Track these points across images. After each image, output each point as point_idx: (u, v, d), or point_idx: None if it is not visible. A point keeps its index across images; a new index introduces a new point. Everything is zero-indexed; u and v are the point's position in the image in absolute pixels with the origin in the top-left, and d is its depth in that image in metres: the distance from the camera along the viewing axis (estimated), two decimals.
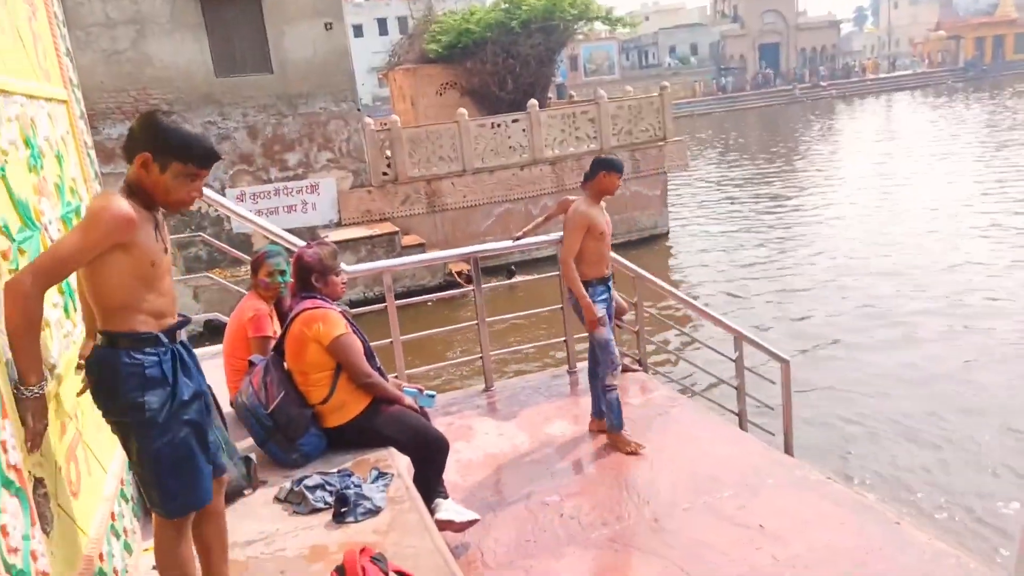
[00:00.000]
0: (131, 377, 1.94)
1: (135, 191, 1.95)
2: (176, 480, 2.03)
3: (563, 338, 5.70)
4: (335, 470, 3.03)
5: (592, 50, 53.87)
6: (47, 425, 1.88)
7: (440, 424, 4.70)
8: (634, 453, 4.27)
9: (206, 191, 5.02)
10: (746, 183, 22.29)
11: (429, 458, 3.26)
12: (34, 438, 1.82)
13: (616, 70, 55.15)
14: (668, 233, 16.19)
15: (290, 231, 5.59)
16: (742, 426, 5.56)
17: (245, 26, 12.93)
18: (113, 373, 1.93)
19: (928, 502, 5.87)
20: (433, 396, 3.62)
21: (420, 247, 12.30)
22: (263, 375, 3.17)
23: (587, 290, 4.25)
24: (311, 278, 3.24)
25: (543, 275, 5.96)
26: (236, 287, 5.63)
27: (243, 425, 3.24)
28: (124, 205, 1.88)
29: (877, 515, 3.51)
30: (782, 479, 3.91)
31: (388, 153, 13.72)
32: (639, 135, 15.69)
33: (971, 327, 9.15)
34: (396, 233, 12.63)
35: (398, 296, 5.20)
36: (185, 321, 2.13)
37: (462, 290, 8.78)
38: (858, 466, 6.48)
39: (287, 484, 2.94)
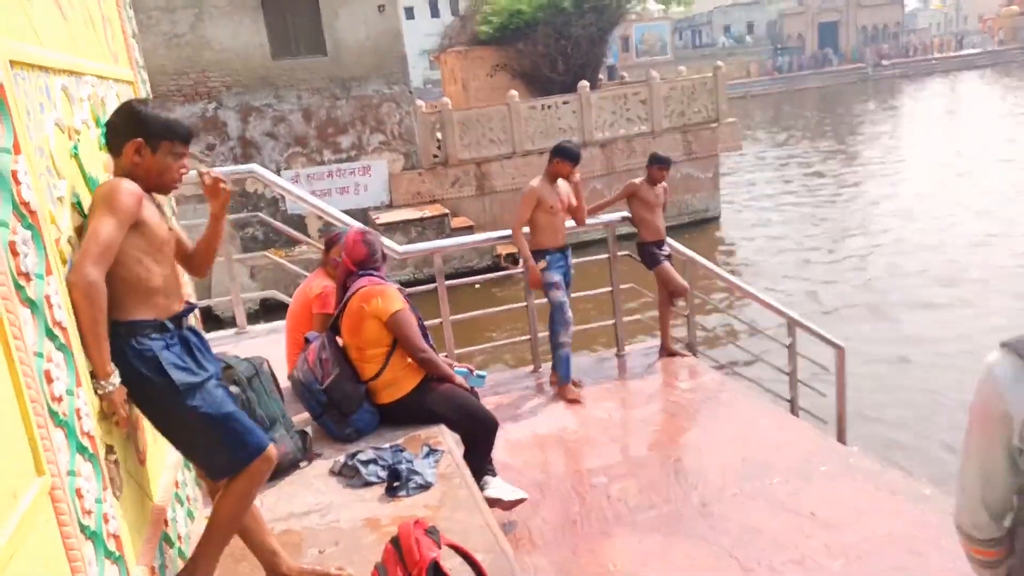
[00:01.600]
0: (146, 362, 1.97)
1: (132, 178, 2.01)
2: (230, 431, 2.07)
3: (612, 321, 5.68)
4: (387, 446, 3.09)
5: (645, 30, 52.88)
6: (128, 411, 1.97)
7: (489, 404, 4.73)
8: (575, 401, 4.81)
9: (265, 172, 5.15)
10: (801, 166, 21.74)
11: (478, 436, 3.31)
12: (119, 421, 1.93)
13: (669, 50, 54.07)
14: (719, 217, 15.92)
15: (343, 212, 5.69)
16: (794, 412, 5.48)
17: (300, 8, 13.10)
18: (126, 364, 1.94)
19: None
20: (483, 376, 3.66)
21: (469, 229, 12.36)
22: (319, 351, 3.24)
23: (543, 257, 4.81)
24: (373, 257, 3.32)
25: (591, 257, 5.94)
26: (292, 266, 5.75)
27: (299, 400, 3.32)
28: (131, 183, 1.96)
29: (934, 505, 3.43)
30: (835, 466, 3.85)
31: (439, 136, 13.78)
32: (692, 116, 15.42)
33: None
34: (446, 215, 12.71)
35: (447, 277, 5.25)
36: (191, 307, 2.19)
37: (510, 271, 8.80)
38: (912, 458, 6.32)
39: (341, 458, 3.01)
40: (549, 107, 14.49)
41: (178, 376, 2.01)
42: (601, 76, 21.20)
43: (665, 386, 5.10)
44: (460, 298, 9.40)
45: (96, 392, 1.86)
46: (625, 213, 5.58)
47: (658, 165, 5.40)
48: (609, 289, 5.67)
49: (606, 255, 5.56)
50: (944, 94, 39.78)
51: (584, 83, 14.89)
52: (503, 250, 12.20)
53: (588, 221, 5.51)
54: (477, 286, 10.16)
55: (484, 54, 18.54)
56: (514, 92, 14.40)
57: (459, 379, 3.40)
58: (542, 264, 4.82)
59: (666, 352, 5.57)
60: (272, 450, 2.16)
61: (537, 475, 3.98)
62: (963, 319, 9.12)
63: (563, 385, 4.93)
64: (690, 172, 15.30)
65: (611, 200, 5.73)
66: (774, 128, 31.72)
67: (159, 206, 2.13)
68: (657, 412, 4.73)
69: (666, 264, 5.43)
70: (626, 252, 5.93)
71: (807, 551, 3.15)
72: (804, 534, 3.27)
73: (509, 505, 3.35)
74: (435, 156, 13.79)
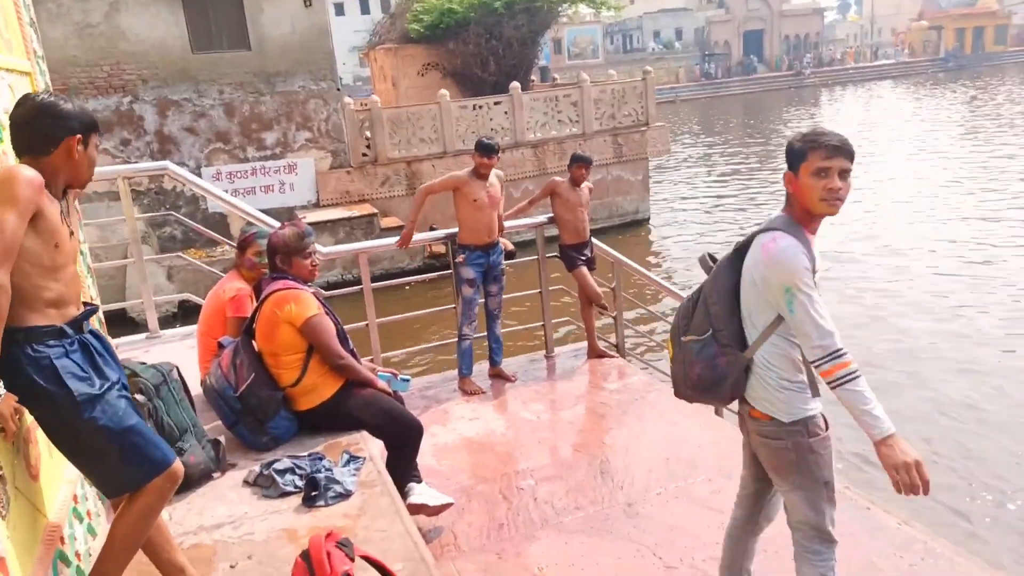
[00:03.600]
0: (42, 371, 1.84)
1: (53, 173, 1.92)
2: (130, 445, 1.95)
3: (540, 323, 5.69)
4: (306, 453, 2.99)
5: (576, 33, 53.51)
6: (17, 423, 1.86)
7: (416, 408, 4.68)
8: (474, 393, 4.96)
9: (178, 169, 4.95)
10: (728, 169, 22.35)
11: (402, 442, 3.23)
12: (5, 433, 1.82)
13: (600, 54, 54.88)
14: (650, 218, 16.20)
15: (267, 211, 5.52)
16: (718, 412, 5.58)
17: (223, 1, 12.68)
18: (18, 372, 1.82)
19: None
20: (408, 380, 3.59)
21: (399, 229, 12.19)
22: (232, 357, 3.12)
23: (463, 254, 4.91)
24: (276, 259, 3.19)
25: (520, 260, 5.92)
26: (210, 268, 5.54)
27: (212, 407, 3.19)
28: (30, 169, 1.83)
29: (848, 501, 3.53)
30: None
31: (368, 134, 13.57)
32: (622, 120, 15.65)
33: (938, 311, 9.25)
34: (375, 215, 12.52)
35: (376, 279, 5.17)
36: (92, 310, 2.06)
37: (440, 273, 8.72)
38: (837, 449, 6.53)
39: (256, 467, 2.89)
40: (480, 107, 14.46)
41: (76, 386, 1.88)
42: (533, 77, 21.30)
43: (593, 387, 5.12)
44: (390, 300, 9.28)
45: None
46: (547, 217, 5.59)
47: (578, 164, 5.43)
48: (538, 291, 5.67)
49: (534, 257, 5.57)
50: (860, 102, 41.61)
51: (516, 84, 14.92)
52: (434, 249, 12.09)
53: (519, 222, 5.55)
54: (408, 287, 10.04)
55: (415, 52, 18.38)
56: (445, 91, 14.30)
57: (382, 384, 3.32)
58: (460, 258, 4.92)
59: (594, 353, 5.61)
60: (177, 466, 2.04)
61: (464, 479, 3.93)
62: (880, 305, 9.49)
63: (462, 378, 5.07)
64: (620, 174, 15.52)
65: (532, 200, 5.72)
66: (703, 132, 32.52)
67: (67, 210, 1.99)
68: (585, 413, 4.75)
69: (583, 269, 5.46)
70: (554, 254, 5.96)
71: None
72: (725, 531, 3.32)
73: (434, 511, 3.29)
74: (364, 155, 13.57)
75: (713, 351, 2.25)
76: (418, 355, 8.29)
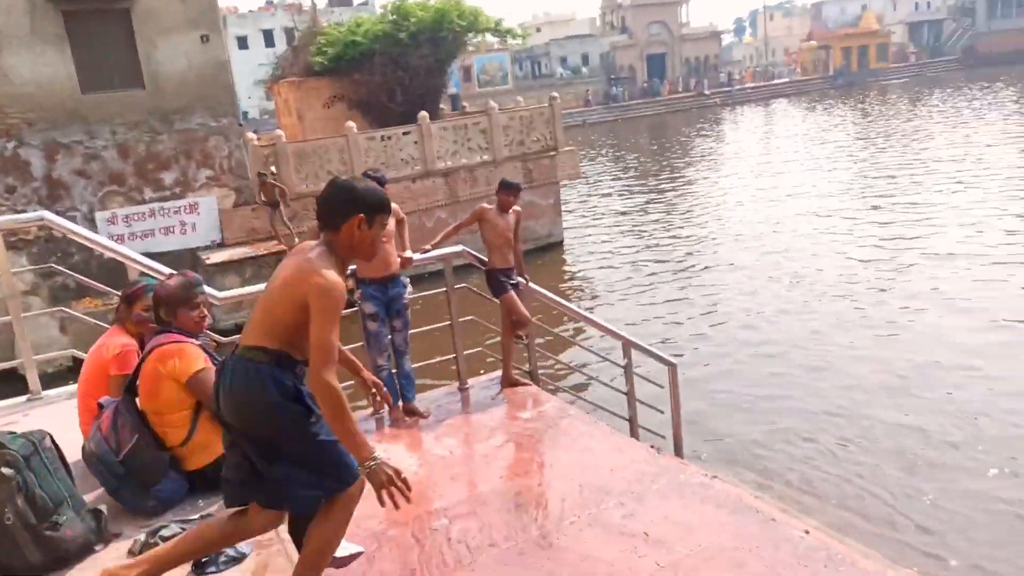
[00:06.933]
0: None
1: (338, 251, 2.29)
2: None
3: (453, 355, 5.62)
4: (196, 516, 2.83)
5: (485, 61, 54.22)
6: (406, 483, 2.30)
7: None
8: (415, 414, 4.94)
9: (56, 218, 4.68)
10: (639, 190, 22.94)
11: None
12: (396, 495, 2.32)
13: (509, 80, 55.73)
14: (563, 242, 16.41)
15: (169, 254, 5.30)
16: (633, 433, 5.65)
17: (113, 39, 12.21)
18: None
19: (821, 490, 6.13)
20: None
21: None
22: (113, 418, 2.94)
23: (360, 288, 4.82)
24: (160, 311, 3.04)
25: (429, 292, 5.86)
26: (96, 322, 5.25)
27: (93, 473, 2.99)
28: (338, 278, 2.19)
29: (755, 513, 3.61)
30: (666, 484, 3.96)
31: (273, 169, 13.26)
32: (531, 145, 15.86)
33: (848, 325, 9.69)
34: (284, 252, 12.21)
35: None
36: None
37: (353, 309, 8.55)
38: (749, 461, 6.71)
39: (142, 536, 2.72)
40: (389, 138, 14.39)
41: None
42: (443, 106, 21.37)
43: (508, 418, 5.09)
44: None
45: (365, 471, 2.34)
46: (461, 247, 5.58)
47: (506, 191, 5.46)
48: (448, 323, 5.61)
49: (443, 288, 5.52)
50: (759, 118, 43.58)
51: (424, 113, 14.93)
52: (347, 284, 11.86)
53: (428, 255, 5.46)
54: None
55: (319, 84, 18.16)
56: (351, 123, 14.18)
57: None
58: (357, 293, 4.84)
59: (508, 383, 5.58)
60: None
61: (374, 525, 3.80)
62: (792, 326, 9.85)
63: (390, 408, 4.99)
64: (532, 199, 15.69)
65: (460, 224, 5.69)
66: (612, 154, 33.32)
67: None
68: (500, 445, 4.69)
69: (512, 294, 5.45)
70: (464, 284, 5.93)
71: (639, 571, 3.20)
72: (637, 555, 3.33)
73: (343, 562, 3.17)
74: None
75: None
76: None
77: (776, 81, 63.91)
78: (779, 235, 14.72)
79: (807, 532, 3.44)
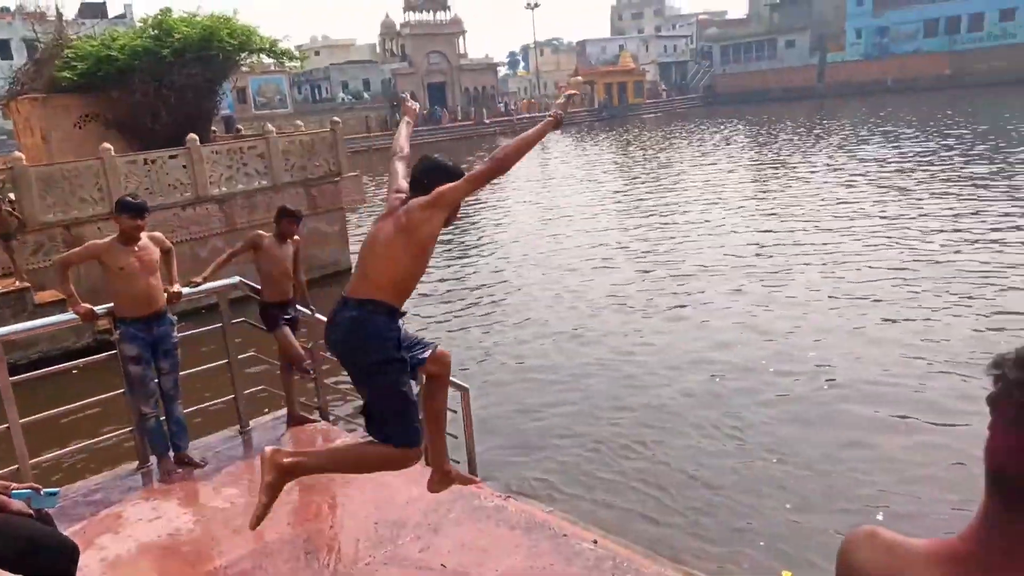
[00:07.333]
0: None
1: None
2: None
3: (232, 396, 5.23)
4: None
5: (261, 83, 52.04)
6: None
7: (75, 521, 3.99)
8: (172, 472, 4.55)
9: None
10: None
11: (50, 572, 2.69)
12: None
13: (288, 103, 53.96)
14: (351, 269, 16.04)
15: None
16: (428, 461, 5.59)
17: None
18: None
19: (611, 497, 6.46)
20: (56, 493, 3.01)
21: (60, 304, 10.55)
22: None
23: (120, 328, 4.43)
24: None
25: (204, 328, 5.42)
26: None
27: None
28: None
29: (547, 530, 3.71)
30: (461, 511, 3.96)
31: (12, 196, 11.61)
32: (313, 171, 15.39)
33: (612, 341, 10.43)
34: (27, 289, 10.71)
35: (31, 366, 4.37)
36: None
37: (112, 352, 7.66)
38: (541, 475, 6.92)
39: None
40: (154, 161, 13.22)
41: None
42: (215, 128, 20.06)
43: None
44: (52, 390, 7.88)
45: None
46: (237, 279, 5.23)
47: (287, 219, 5.25)
48: (226, 360, 5.22)
49: (218, 324, 5.13)
50: (535, 147, 46.00)
51: (194, 136, 13.91)
52: (104, 325, 10.65)
53: (201, 288, 5.05)
54: (76, 371, 8.65)
55: (69, 102, 16.23)
56: (108, 145, 12.83)
57: (16, 505, 2.74)
58: (115, 335, 4.46)
59: (295, 421, 5.30)
60: None
61: None
62: (574, 343, 10.36)
63: (162, 459, 4.61)
64: (317, 226, 15.20)
65: (233, 252, 5.32)
66: None
67: None
68: (286, 490, 4.40)
69: (285, 329, 5.19)
70: (242, 319, 5.56)
71: None
72: None
73: None
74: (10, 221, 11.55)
75: None
76: (78, 454, 7.06)
77: (547, 112, 67.78)
78: (558, 255, 15.56)
79: (595, 542, 3.60)
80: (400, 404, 2.83)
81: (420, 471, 4.62)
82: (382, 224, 2.90)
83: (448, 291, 13.86)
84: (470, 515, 3.90)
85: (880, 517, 5.53)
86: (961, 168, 21.24)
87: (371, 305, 2.74)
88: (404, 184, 3.08)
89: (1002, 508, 0.86)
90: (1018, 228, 13.77)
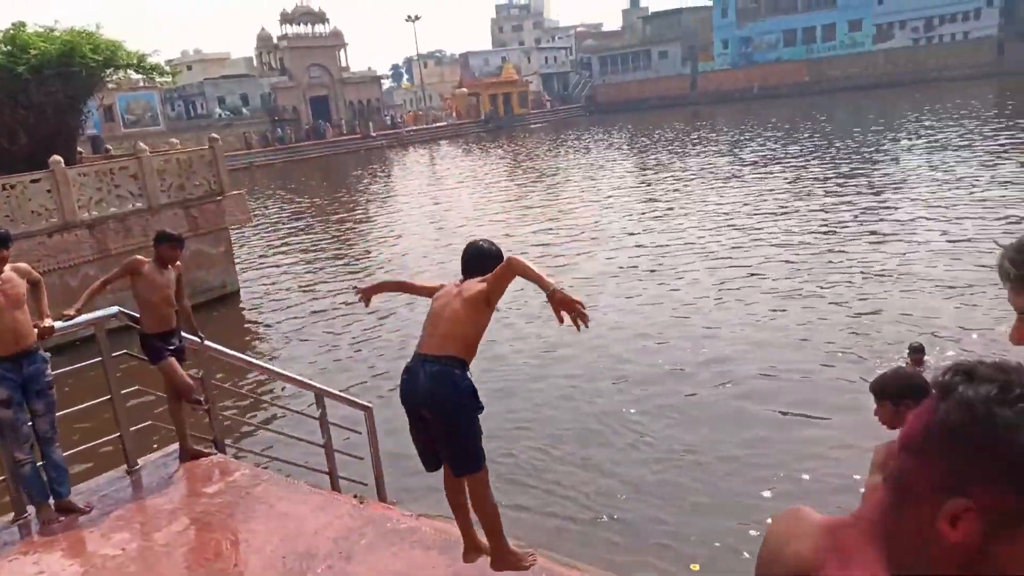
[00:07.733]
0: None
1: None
2: None
3: (117, 434, 4.89)
4: None
5: (130, 100, 49.34)
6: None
7: None
8: (52, 520, 4.25)
9: None
10: (317, 231, 22.54)
11: None
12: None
13: (161, 121, 51.41)
14: (239, 291, 15.42)
15: None
16: (335, 486, 5.42)
17: None
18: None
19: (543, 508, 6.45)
20: None
21: None
22: None
23: None
24: None
25: (82, 363, 5.03)
26: None
27: None
28: None
29: (462, 546, 3.66)
30: (373, 535, 3.86)
31: None
32: (193, 190, 14.67)
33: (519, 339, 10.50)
34: None
35: None
36: None
37: None
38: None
39: None
40: (13, 186, 12.22)
41: None
42: (81, 149, 18.79)
43: (190, 496, 4.55)
44: None
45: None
46: (116, 309, 4.90)
47: (168, 244, 4.97)
48: (108, 397, 4.87)
49: (98, 359, 4.78)
50: (424, 159, 45.89)
51: (57, 157, 12.95)
52: None
53: (74, 321, 4.68)
54: None
55: None
56: None
57: None
58: None
59: (188, 455, 5.01)
60: None
61: None
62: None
63: (41, 508, 4.28)
64: (200, 248, 14.49)
65: (108, 279, 4.91)
66: (285, 197, 32.35)
67: None
68: (183, 530, 4.17)
69: (171, 360, 4.89)
70: (123, 351, 5.22)
71: None
72: None
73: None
74: None
75: None
76: None
77: (435, 124, 67.96)
78: (455, 263, 15.50)
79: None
80: (478, 436, 3.16)
81: (324, 499, 4.49)
82: (446, 300, 3.34)
83: (347, 306, 13.54)
84: (383, 538, 3.81)
85: (772, 503, 5.81)
86: (825, 168, 22.82)
87: (449, 360, 3.12)
88: (433, 283, 3.67)
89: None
90: (881, 220, 14.93)
